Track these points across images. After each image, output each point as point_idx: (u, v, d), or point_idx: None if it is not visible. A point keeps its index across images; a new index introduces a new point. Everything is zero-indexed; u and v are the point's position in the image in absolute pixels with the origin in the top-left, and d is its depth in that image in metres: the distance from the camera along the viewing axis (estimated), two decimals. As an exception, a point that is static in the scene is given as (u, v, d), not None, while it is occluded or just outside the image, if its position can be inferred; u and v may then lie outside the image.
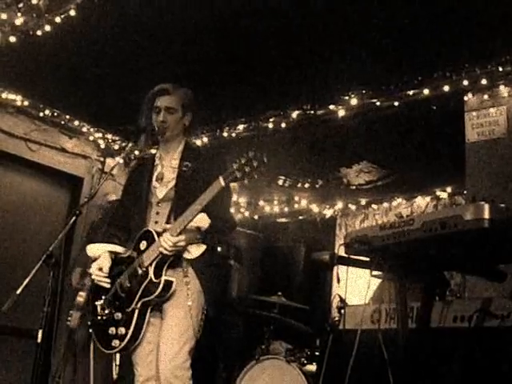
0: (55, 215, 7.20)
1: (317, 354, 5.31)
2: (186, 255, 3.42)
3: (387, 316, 4.09)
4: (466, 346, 3.45)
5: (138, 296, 3.36)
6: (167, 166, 3.71)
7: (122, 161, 7.66)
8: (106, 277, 3.53)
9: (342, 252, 3.42)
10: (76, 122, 7.24)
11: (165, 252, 3.31)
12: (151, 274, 3.33)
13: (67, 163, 7.33)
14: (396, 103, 5.67)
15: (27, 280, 3.39)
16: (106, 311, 3.48)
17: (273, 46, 5.18)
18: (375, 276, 3.42)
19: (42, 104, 6.88)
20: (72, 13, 4.92)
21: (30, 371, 3.36)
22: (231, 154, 3.60)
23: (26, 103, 6.76)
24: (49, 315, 3.44)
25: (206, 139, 6.96)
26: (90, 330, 3.57)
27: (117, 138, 7.58)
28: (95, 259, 3.60)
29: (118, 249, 3.62)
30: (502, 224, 2.66)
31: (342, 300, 4.63)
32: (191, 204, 3.28)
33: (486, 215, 2.66)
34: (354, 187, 7.84)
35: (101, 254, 3.60)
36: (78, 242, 7.02)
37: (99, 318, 3.51)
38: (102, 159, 7.60)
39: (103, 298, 3.53)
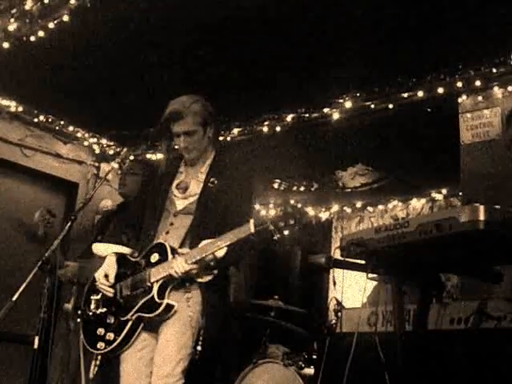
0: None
1: (314, 357, 5.30)
2: (197, 279, 3.31)
3: (384, 319, 4.10)
4: (463, 347, 3.45)
5: (135, 309, 3.27)
6: (193, 177, 3.55)
7: (116, 166, 7.65)
8: (110, 286, 3.40)
9: (337, 255, 3.42)
10: (70, 128, 7.23)
11: (175, 276, 3.21)
12: (155, 293, 3.24)
13: (62, 169, 7.31)
14: (390, 106, 5.67)
15: (23, 286, 3.39)
16: (100, 310, 3.39)
17: (267, 49, 5.18)
18: (371, 279, 3.43)
19: (37, 110, 6.87)
20: (65, 18, 4.91)
21: (27, 377, 3.36)
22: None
23: (20, 109, 6.74)
24: (45, 321, 3.44)
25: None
26: (79, 320, 3.50)
27: (111, 143, 7.58)
28: (101, 258, 3.50)
29: (125, 250, 3.50)
30: (497, 226, 2.67)
31: (339, 303, 4.63)
32: (213, 232, 3.20)
33: (481, 217, 2.66)
34: (350, 190, 7.85)
35: (107, 255, 3.48)
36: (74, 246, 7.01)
37: (91, 314, 3.41)
38: (96, 164, 7.59)
39: (100, 294, 3.43)
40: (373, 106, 5.76)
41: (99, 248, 3.58)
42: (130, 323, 3.29)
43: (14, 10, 5.00)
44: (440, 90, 5.37)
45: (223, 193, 3.43)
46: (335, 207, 8.52)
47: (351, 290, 3.69)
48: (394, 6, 4.54)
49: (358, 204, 8.31)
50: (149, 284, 3.27)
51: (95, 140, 7.48)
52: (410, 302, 3.75)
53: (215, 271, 3.32)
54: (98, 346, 3.33)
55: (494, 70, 5.13)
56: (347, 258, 3.37)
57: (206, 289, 3.32)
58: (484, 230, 2.66)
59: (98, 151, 7.56)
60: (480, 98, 5.33)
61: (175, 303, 3.24)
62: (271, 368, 5.16)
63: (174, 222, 3.45)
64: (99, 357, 3.42)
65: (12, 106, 6.67)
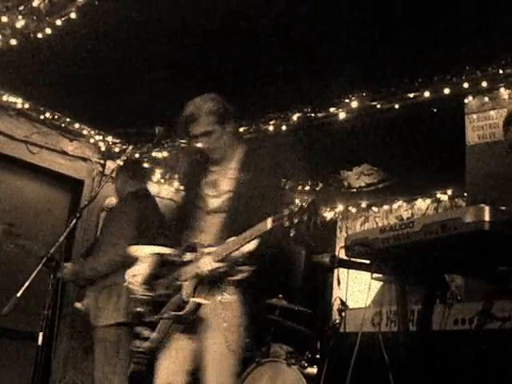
0: (56, 218, 7.20)
1: (317, 356, 5.31)
2: (231, 278, 3.28)
3: (388, 319, 4.09)
4: (467, 348, 3.45)
5: (166, 307, 3.29)
6: (223, 175, 3.50)
7: (122, 163, 7.65)
8: (143, 284, 3.38)
9: (342, 254, 3.42)
10: (76, 125, 7.25)
11: (202, 274, 3.21)
12: (183, 292, 3.25)
13: (68, 166, 7.33)
14: (396, 106, 5.67)
15: (28, 283, 3.40)
16: (138, 309, 3.38)
17: (273, 48, 5.18)
18: (376, 279, 3.42)
19: (43, 107, 6.89)
20: (73, 15, 4.92)
21: (31, 374, 3.37)
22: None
23: (26, 106, 6.76)
24: (49, 318, 3.45)
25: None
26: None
27: (117, 141, 7.59)
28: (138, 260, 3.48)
29: (165, 250, 3.46)
30: (502, 226, 2.66)
31: (343, 303, 4.62)
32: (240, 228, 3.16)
33: (487, 218, 2.66)
34: (355, 190, 7.85)
35: (143, 257, 3.45)
36: (79, 243, 7.02)
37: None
38: (102, 162, 7.61)
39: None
40: (379, 105, 5.76)
41: (137, 250, 3.54)
42: (162, 322, 3.31)
43: (21, 7, 5.02)
44: (446, 91, 5.37)
45: (254, 186, 3.37)
46: (340, 207, 8.52)
47: (355, 289, 3.69)
48: (402, 6, 4.53)
49: (363, 204, 8.32)
50: (179, 283, 3.28)
51: (101, 137, 7.50)
52: (414, 302, 3.75)
53: (250, 268, 3.29)
54: (137, 344, 3.36)
55: (501, 71, 5.13)
56: (352, 258, 3.36)
57: (244, 289, 3.30)
58: (489, 230, 2.65)
59: (103, 148, 7.58)
60: (486, 98, 5.32)
61: (204, 301, 3.22)
62: (274, 367, 5.16)
63: (208, 221, 3.43)
64: (138, 355, 3.44)
65: (18, 102, 6.69)
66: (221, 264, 3.19)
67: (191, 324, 3.30)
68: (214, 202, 3.46)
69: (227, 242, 3.20)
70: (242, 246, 3.15)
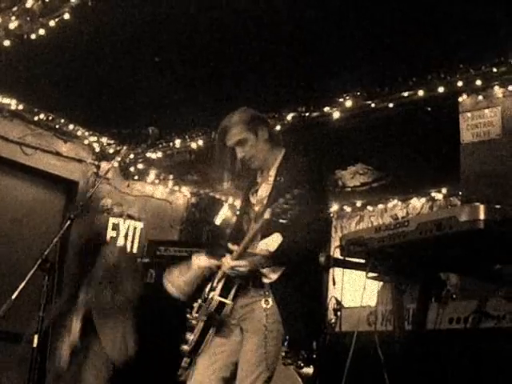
0: (50, 219, 7.19)
1: (313, 356, 5.30)
2: (264, 279, 3.29)
3: (383, 318, 4.10)
4: (463, 347, 3.45)
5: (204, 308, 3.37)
6: (264, 182, 3.55)
7: (116, 164, 7.65)
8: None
9: (337, 254, 3.42)
10: (71, 126, 7.23)
11: (226, 272, 3.28)
12: (214, 291, 3.33)
13: (62, 167, 7.31)
14: (391, 105, 5.67)
15: (22, 285, 3.38)
16: (193, 315, 3.45)
17: (268, 48, 5.18)
18: (371, 278, 3.43)
19: (37, 108, 6.87)
20: (66, 16, 4.91)
21: (26, 376, 3.35)
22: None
23: (20, 107, 6.75)
24: (44, 320, 3.43)
25: (201, 142, 6.95)
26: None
27: (111, 142, 7.58)
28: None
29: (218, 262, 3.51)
30: (497, 225, 2.67)
31: (338, 302, 4.63)
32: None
33: (481, 216, 2.66)
34: (349, 189, 7.85)
35: (193, 267, 3.51)
36: (74, 245, 7.00)
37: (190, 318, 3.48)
38: (96, 163, 7.59)
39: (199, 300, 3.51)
40: (373, 105, 5.76)
41: (195, 260, 3.57)
42: (201, 324, 3.35)
43: (15, 8, 5.01)
44: (440, 90, 5.38)
45: (289, 188, 3.30)
46: (335, 206, 8.52)
47: (351, 289, 3.69)
48: (395, 5, 4.54)
49: (358, 203, 8.32)
50: (214, 285, 3.37)
51: (95, 138, 7.49)
52: (409, 301, 3.75)
53: (280, 269, 3.28)
54: (183, 347, 3.39)
55: (495, 70, 5.14)
56: (347, 257, 3.37)
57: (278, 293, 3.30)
58: (484, 229, 2.66)
59: (98, 150, 7.57)
60: (480, 97, 5.33)
61: (228, 301, 3.28)
62: (270, 367, 5.15)
63: (254, 229, 3.42)
64: (185, 358, 3.47)
65: (12, 104, 6.68)
66: (238, 262, 3.22)
67: (226, 329, 3.34)
68: (256, 209, 3.50)
69: (242, 241, 3.25)
70: (251, 241, 3.20)
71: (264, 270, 3.27)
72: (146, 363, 5.81)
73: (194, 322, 3.40)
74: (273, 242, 3.24)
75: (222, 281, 3.33)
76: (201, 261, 3.49)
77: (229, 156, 3.55)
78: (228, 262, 3.26)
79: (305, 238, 3.27)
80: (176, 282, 3.48)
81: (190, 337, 3.37)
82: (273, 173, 3.54)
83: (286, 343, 3.33)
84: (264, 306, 3.26)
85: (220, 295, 3.30)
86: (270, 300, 3.26)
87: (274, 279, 3.28)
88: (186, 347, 3.37)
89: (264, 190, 3.52)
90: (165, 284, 3.51)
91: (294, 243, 3.24)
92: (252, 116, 3.56)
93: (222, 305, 3.28)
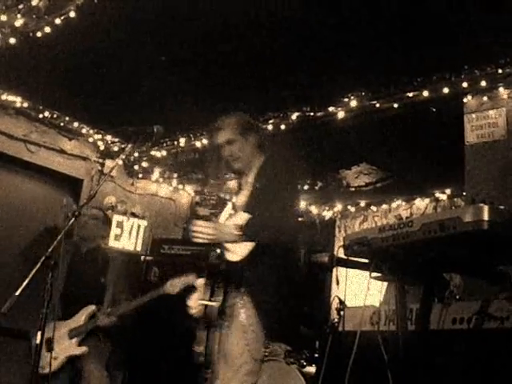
0: (54, 217, 7.19)
1: (316, 355, 5.30)
2: (229, 256, 3.46)
3: (386, 318, 4.09)
4: (465, 348, 3.45)
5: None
6: (242, 188, 3.76)
7: (121, 162, 7.67)
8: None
9: (341, 254, 3.42)
10: (75, 124, 7.25)
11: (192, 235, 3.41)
12: (204, 300, 3.51)
13: (66, 165, 7.33)
14: (395, 105, 5.67)
15: (26, 281, 3.38)
16: None
17: (272, 48, 5.18)
18: (374, 278, 3.42)
19: (42, 105, 6.89)
20: (72, 14, 4.92)
21: (29, 372, 3.36)
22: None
23: (25, 105, 6.76)
24: (47, 317, 3.44)
25: (205, 140, 6.96)
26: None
27: (116, 140, 7.59)
28: None
29: None
30: (501, 226, 2.66)
31: (342, 302, 4.62)
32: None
33: (486, 217, 2.66)
34: (354, 189, 7.85)
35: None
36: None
37: None
38: (101, 161, 7.61)
39: None
40: (378, 105, 5.76)
41: None
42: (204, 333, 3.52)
43: (20, 6, 5.02)
44: (445, 90, 5.37)
45: (264, 196, 3.54)
46: (339, 206, 8.52)
47: (354, 288, 3.69)
48: (401, 6, 4.53)
49: (362, 203, 8.32)
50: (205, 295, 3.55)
51: (100, 136, 7.50)
52: (412, 301, 3.75)
53: (248, 244, 3.41)
54: (200, 360, 3.53)
55: (500, 71, 5.13)
56: (350, 257, 3.37)
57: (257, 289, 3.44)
58: (488, 229, 2.66)
59: (102, 147, 7.58)
60: (485, 98, 5.32)
61: (208, 303, 3.45)
62: (273, 366, 5.15)
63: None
64: (205, 370, 3.59)
65: (17, 101, 6.69)
66: (206, 223, 3.44)
67: (224, 331, 3.47)
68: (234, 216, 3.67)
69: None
70: None
71: (229, 245, 3.44)
72: (153, 363, 5.85)
73: (198, 333, 3.53)
74: (241, 218, 3.44)
75: (208, 288, 3.46)
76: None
77: (216, 155, 3.74)
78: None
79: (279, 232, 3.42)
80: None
81: (200, 348, 3.50)
82: (250, 179, 3.71)
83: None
84: (242, 304, 3.43)
85: (209, 300, 3.45)
86: (246, 298, 3.43)
87: (240, 258, 3.42)
88: (202, 359, 3.49)
89: (242, 197, 3.70)
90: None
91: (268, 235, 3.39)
92: (246, 121, 3.78)
93: (213, 309, 3.43)
